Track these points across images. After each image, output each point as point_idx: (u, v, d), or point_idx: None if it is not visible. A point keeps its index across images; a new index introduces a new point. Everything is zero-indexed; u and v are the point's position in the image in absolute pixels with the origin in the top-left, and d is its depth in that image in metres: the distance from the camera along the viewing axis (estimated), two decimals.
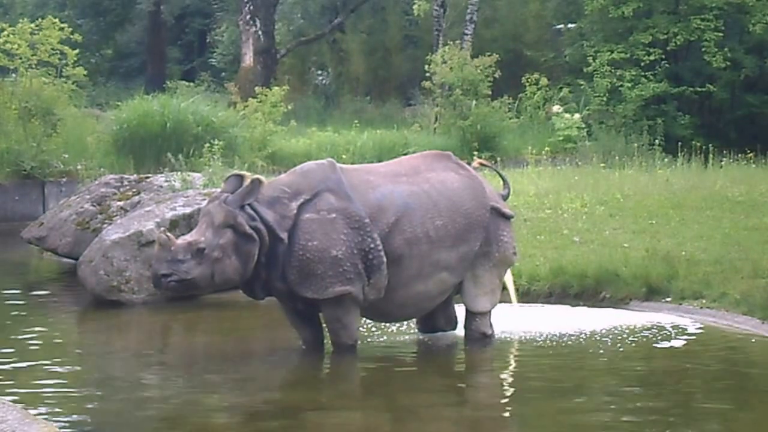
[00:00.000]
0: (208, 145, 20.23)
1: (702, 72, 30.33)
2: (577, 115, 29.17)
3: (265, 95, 26.32)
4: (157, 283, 10.22)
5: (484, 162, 12.15)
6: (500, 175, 11.94)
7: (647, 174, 20.92)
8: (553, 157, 25.39)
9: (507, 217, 10.99)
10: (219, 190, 10.64)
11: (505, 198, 11.22)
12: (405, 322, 11.58)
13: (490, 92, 29.31)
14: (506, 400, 9.59)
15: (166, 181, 17.09)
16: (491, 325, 11.03)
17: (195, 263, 10.00)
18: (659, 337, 11.25)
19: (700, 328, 11.71)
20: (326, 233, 10.11)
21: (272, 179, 10.73)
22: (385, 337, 11.45)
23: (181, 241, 10.12)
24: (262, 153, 24.34)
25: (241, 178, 10.31)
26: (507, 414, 9.13)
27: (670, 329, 11.59)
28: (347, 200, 10.23)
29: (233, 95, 28.58)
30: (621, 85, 29.32)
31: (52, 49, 24.47)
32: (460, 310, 11.18)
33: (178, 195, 15.49)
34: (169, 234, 10.24)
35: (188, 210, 14.45)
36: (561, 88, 31.74)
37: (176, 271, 10.01)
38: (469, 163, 11.35)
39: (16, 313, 13.47)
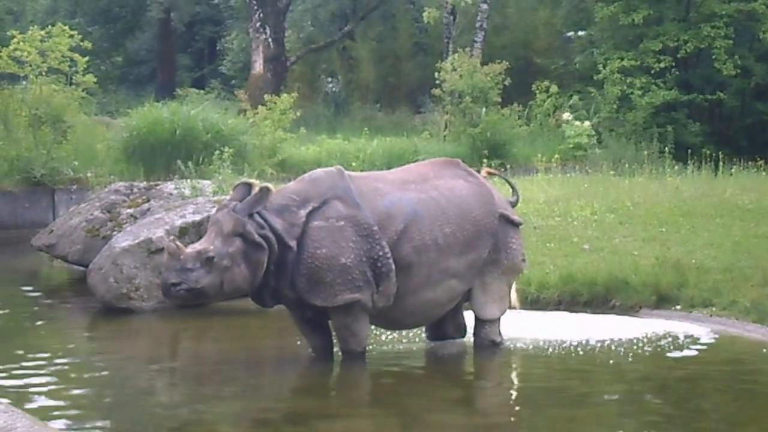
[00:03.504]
0: (217, 152, 20.25)
1: (712, 79, 30.32)
2: (587, 123, 29.16)
3: (275, 102, 26.34)
4: (167, 292, 10.21)
5: (492, 171, 12.14)
6: (509, 183, 11.93)
7: (657, 182, 20.88)
8: (563, 165, 25.37)
9: (516, 225, 10.98)
10: (228, 197, 10.63)
11: (513, 205, 11.22)
12: (414, 330, 11.56)
13: (500, 100, 29.34)
14: (515, 408, 9.57)
15: (176, 188, 17.10)
16: (500, 332, 11.03)
17: (204, 272, 9.99)
18: (669, 345, 11.22)
19: (711, 336, 11.68)
20: (335, 241, 10.10)
21: (281, 187, 10.73)
22: (394, 345, 11.44)
23: (190, 249, 10.12)
24: (271, 160, 24.35)
25: (249, 186, 10.31)
26: (516, 422, 9.11)
27: (681, 337, 11.56)
28: (356, 208, 10.23)
29: (243, 102, 28.62)
30: (631, 93, 29.31)
31: (62, 56, 24.50)
32: (469, 318, 11.17)
33: (188, 202, 15.50)
34: (178, 243, 10.24)
35: (198, 217, 14.47)
36: (571, 95, 31.74)
37: (185, 280, 10.01)
38: (478, 171, 11.34)
39: (25, 320, 13.49)
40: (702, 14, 30.25)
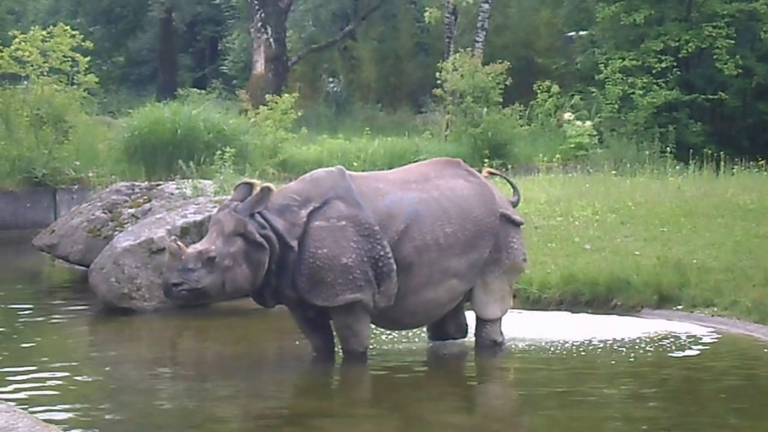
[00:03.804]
0: (219, 152, 20.25)
1: (714, 79, 30.30)
2: (588, 123, 29.13)
3: (276, 102, 26.33)
4: (168, 292, 10.21)
5: (493, 171, 12.11)
6: (510, 183, 11.93)
7: (659, 181, 20.87)
8: (564, 165, 25.36)
9: (517, 224, 10.98)
10: (229, 197, 10.63)
11: (515, 205, 11.22)
12: (415, 330, 11.56)
13: (501, 99, 29.30)
14: (517, 409, 9.57)
15: (177, 188, 17.10)
16: (502, 332, 11.02)
17: (206, 272, 10.00)
18: (671, 346, 11.21)
19: (712, 336, 11.67)
20: (336, 241, 10.11)
21: (282, 187, 10.73)
22: (395, 345, 11.44)
23: (191, 250, 10.12)
24: (273, 160, 24.33)
25: (250, 186, 10.31)
26: (517, 422, 9.11)
27: (682, 337, 11.55)
28: (357, 208, 10.23)
29: (244, 102, 28.60)
30: (632, 93, 29.27)
31: (64, 56, 24.50)
32: (471, 318, 11.16)
33: (189, 202, 15.51)
34: (179, 243, 10.24)
35: (199, 217, 14.47)
36: (572, 95, 31.73)
37: (187, 280, 10.01)
38: (479, 171, 11.33)
39: (27, 320, 13.49)
40: (703, 14, 30.22)
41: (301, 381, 10.52)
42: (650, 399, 9.54)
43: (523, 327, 11.69)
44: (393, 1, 41.34)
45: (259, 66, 35.72)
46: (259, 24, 35.72)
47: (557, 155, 26.12)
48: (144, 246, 13.99)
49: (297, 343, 11.35)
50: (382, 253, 10.17)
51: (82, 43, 24.91)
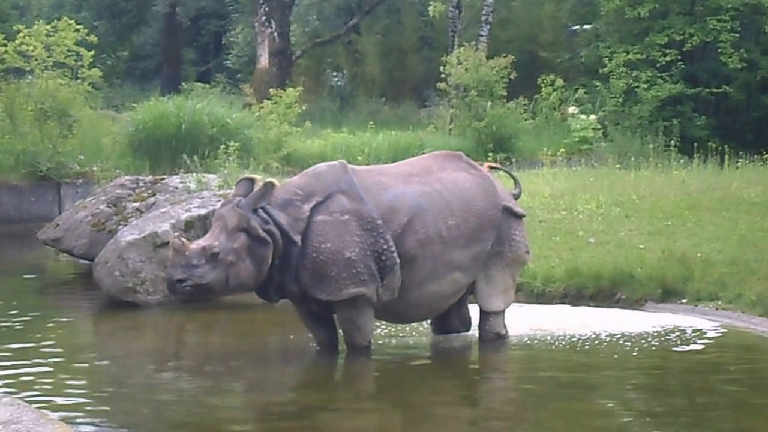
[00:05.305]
0: (223, 146, 20.26)
1: (718, 73, 30.29)
2: (592, 116, 29.13)
3: (280, 96, 26.34)
4: (173, 289, 10.20)
5: (494, 165, 12.08)
6: (511, 176, 11.94)
7: (663, 175, 20.87)
8: (568, 158, 25.38)
9: (519, 216, 10.97)
10: (232, 193, 10.63)
11: (516, 197, 11.21)
12: (419, 323, 11.56)
13: (505, 93, 29.29)
14: (520, 402, 9.57)
15: (182, 182, 17.10)
16: (505, 325, 11.02)
17: (209, 268, 9.99)
18: (675, 339, 11.21)
19: (717, 329, 11.67)
20: (339, 235, 10.11)
21: (284, 182, 10.73)
22: (398, 339, 11.44)
23: (195, 246, 10.12)
24: (277, 154, 24.36)
25: (252, 181, 10.31)
26: (521, 415, 9.11)
27: (686, 331, 11.55)
28: (360, 202, 10.23)
29: (248, 96, 28.60)
30: (637, 86, 29.28)
31: (68, 50, 24.55)
32: (474, 311, 11.17)
33: (194, 196, 15.52)
34: (183, 239, 10.24)
35: (203, 211, 14.48)
36: (576, 89, 31.70)
37: (191, 276, 10.01)
38: (481, 165, 11.32)
39: (31, 314, 13.50)
40: (708, 7, 30.21)
41: (305, 375, 10.52)
42: (654, 392, 9.54)
43: (526, 320, 11.69)
44: None
45: (263, 60, 35.71)
46: (263, 18, 35.70)
47: (561, 149, 26.14)
48: (148, 240, 14.00)
49: (292, 337, 11.38)
50: (385, 246, 10.17)
51: (87, 38, 24.95)
